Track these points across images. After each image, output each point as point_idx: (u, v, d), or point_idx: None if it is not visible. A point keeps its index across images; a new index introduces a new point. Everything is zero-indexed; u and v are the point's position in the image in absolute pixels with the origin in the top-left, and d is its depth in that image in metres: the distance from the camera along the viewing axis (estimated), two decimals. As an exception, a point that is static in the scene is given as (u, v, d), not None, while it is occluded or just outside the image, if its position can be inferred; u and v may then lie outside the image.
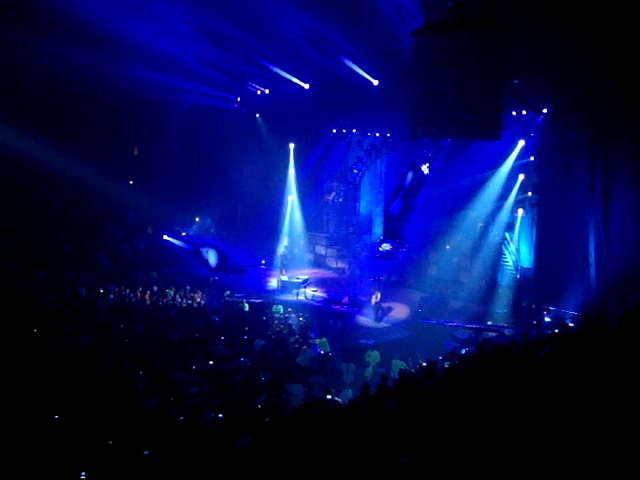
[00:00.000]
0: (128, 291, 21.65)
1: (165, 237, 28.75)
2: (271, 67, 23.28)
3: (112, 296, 20.98)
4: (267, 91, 25.45)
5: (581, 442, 5.29)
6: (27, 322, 17.07)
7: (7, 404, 10.77)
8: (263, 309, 21.26)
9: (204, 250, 28.55)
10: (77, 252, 25.11)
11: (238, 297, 23.08)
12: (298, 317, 20.45)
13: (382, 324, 21.36)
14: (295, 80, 24.02)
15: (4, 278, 21.25)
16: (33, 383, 12.16)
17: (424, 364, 14.31)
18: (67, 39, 19.26)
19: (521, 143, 22.10)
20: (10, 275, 21.72)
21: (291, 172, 30.97)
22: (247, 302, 21.72)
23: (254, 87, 26.56)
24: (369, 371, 16.37)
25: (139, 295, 21.40)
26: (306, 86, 23.95)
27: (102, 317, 18.58)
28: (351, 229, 29.85)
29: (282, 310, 21.33)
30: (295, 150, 30.61)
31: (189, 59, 23.21)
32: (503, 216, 23.72)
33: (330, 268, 29.15)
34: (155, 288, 22.63)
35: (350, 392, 14.23)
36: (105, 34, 18.90)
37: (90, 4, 17.53)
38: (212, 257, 28.35)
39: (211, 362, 15.04)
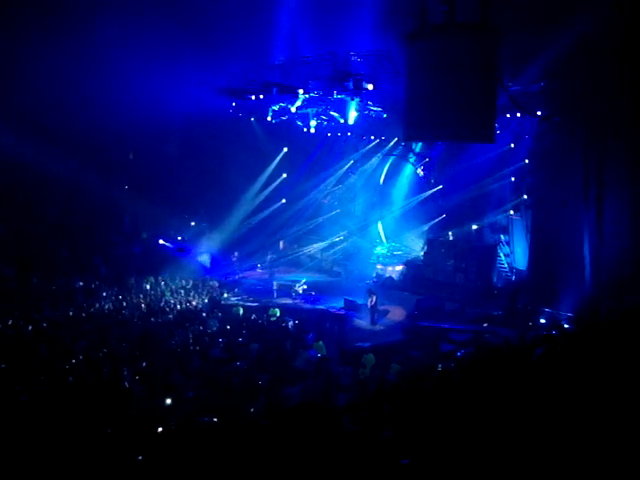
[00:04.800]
0: (124, 295, 21.64)
1: (161, 241, 28.73)
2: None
3: (108, 300, 20.98)
4: (261, 96, 25.38)
5: (577, 440, 5.33)
6: (24, 327, 17.11)
7: (3, 409, 10.77)
8: (259, 313, 21.26)
9: (198, 254, 28.60)
10: (73, 256, 25.08)
11: (234, 300, 23.11)
12: (294, 321, 20.45)
13: (378, 327, 21.33)
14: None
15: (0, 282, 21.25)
16: (29, 388, 12.17)
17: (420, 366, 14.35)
18: (67, 51, 19.33)
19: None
20: (6, 279, 21.68)
21: (284, 175, 31.14)
22: (242, 306, 21.71)
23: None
24: (366, 374, 16.35)
25: (135, 299, 21.39)
26: (300, 91, 23.83)
27: (98, 322, 18.60)
28: (347, 232, 29.84)
29: (278, 313, 21.31)
30: (290, 153, 30.64)
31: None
32: (498, 219, 23.86)
33: (326, 271, 29.11)
34: (151, 292, 22.62)
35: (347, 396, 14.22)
36: (103, 47, 18.92)
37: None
38: (206, 260, 28.38)
39: (207, 366, 15.05)
